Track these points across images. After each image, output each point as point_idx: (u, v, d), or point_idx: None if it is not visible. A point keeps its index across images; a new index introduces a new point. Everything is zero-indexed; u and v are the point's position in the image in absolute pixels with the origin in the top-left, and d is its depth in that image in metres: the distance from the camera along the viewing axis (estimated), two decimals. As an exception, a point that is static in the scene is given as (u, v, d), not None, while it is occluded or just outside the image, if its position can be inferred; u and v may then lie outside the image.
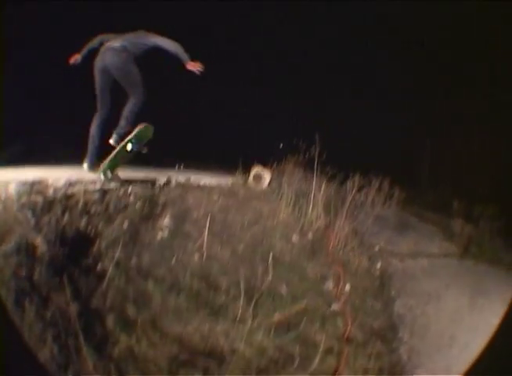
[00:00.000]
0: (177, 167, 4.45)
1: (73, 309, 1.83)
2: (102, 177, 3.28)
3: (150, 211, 2.94)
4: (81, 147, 3.80)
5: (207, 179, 4.47)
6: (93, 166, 3.64)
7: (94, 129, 3.72)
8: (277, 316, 2.38)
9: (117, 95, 3.91)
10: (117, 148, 3.60)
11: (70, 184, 2.81)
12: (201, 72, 3.74)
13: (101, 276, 2.15)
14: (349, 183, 4.27)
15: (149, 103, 3.92)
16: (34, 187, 2.55)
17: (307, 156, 5.07)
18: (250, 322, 2.23)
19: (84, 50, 3.90)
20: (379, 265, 3.61)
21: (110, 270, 2.18)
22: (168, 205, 3.10)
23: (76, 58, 3.85)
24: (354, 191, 4.09)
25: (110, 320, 1.94)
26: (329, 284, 2.84)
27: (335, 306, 2.68)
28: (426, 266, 4.14)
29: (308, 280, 2.80)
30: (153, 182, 3.60)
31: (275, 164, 5.68)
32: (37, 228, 2.17)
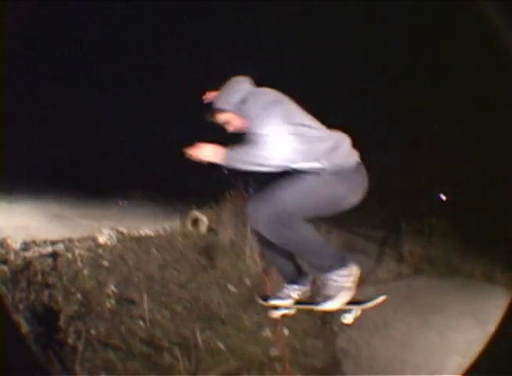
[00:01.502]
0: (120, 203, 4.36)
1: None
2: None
3: (97, 278, 3.10)
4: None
5: (145, 227, 4.51)
6: None
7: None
8: (215, 372, 2.50)
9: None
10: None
11: (26, 246, 3.08)
12: None
13: (74, 348, 2.31)
14: None
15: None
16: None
17: (245, 194, 5.15)
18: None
19: None
20: (321, 302, 3.75)
21: (79, 343, 2.33)
22: (111, 269, 3.26)
23: None
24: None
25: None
26: (267, 331, 2.98)
27: (273, 352, 2.81)
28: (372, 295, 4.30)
29: (245, 330, 2.96)
30: (94, 239, 3.66)
31: (213, 205, 5.52)
32: (14, 305, 2.32)
